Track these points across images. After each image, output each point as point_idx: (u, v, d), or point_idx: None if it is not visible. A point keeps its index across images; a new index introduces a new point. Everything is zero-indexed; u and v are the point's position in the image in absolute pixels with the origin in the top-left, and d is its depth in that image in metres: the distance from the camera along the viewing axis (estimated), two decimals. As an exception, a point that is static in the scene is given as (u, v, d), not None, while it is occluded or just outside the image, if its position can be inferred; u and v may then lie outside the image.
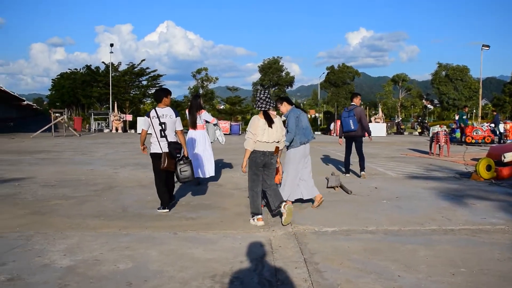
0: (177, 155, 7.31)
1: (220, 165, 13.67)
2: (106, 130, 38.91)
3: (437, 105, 70.02)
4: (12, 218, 6.84)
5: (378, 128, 35.47)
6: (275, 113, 7.75)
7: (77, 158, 15.79)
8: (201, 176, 9.89)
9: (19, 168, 12.89)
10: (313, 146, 22.26)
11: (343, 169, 12.48)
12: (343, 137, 11.96)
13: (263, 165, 6.57)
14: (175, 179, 7.56)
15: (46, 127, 29.19)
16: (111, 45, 40.42)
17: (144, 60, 48.13)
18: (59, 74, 75.40)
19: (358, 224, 6.58)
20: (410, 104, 64.52)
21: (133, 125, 40.45)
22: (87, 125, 40.86)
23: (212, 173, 10.06)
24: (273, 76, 49.23)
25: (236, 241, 5.65)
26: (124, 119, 39.52)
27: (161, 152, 7.23)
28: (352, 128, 11.51)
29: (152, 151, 7.38)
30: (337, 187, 9.64)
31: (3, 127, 37.98)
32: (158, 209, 7.45)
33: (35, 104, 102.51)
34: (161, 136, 7.25)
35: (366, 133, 11.81)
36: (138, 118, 37.00)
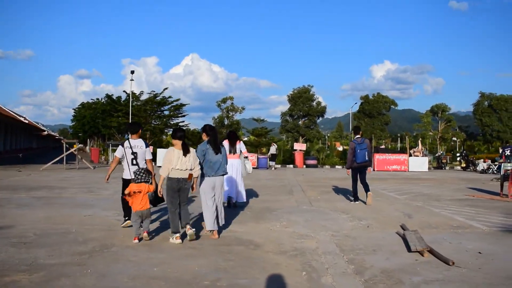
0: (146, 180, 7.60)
1: (253, 210, 10.85)
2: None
3: (465, 139, 66.26)
4: None
5: (419, 162, 32.08)
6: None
7: (80, 197, 13.10)
8: (234, 198, 11.11)
9: (2, 212, 10.25)
10: (346, 183, 19.35)
11: (352, 198, 12.66)
12: (351, 168, 12.35)
13: (178, 189, 7.38)
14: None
15: (56, 159, 26.70)
16: (132, 72, 38.03)
17: (166, 88, 45.22)
18: (80, 104, 73.95)
19: None
20: (451, 136, 60.40)
21: (153, 157, 37.69)
22: (104, 157, 38.36)
23: (244, 199, 11.35)
24: (303, 106, 46.23)
25: None
26: (144, 151, 36.95)
27: (131, 177, 7.80)
28: (367, 159, 12.10)
29: (123, 177, 8.32)
30: (426, 251, 6.75)
31: (13, 159, 35.75)
32: (124, 221, 8.51)
33: (57, 135, 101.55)
34: (132, 164, 8.16)
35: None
36: (159, 150, 34.16)
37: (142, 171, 7.60)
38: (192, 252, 6.75)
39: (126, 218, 8.45)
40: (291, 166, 36.30)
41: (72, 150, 27.26)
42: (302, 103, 46.14)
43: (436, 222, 9.67)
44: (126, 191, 7.43)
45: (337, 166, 36.55)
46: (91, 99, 70.90)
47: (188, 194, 7.63)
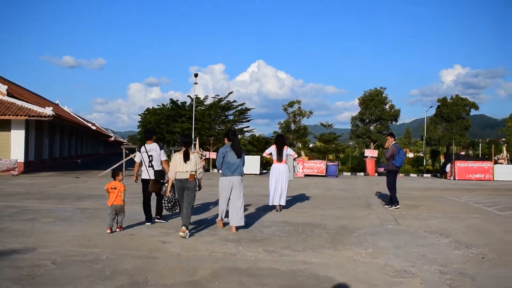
0: (161, 181, 9.32)
1: (328, 231, 8.83)
2: (186, 169, 34.85)
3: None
4: None
5: (506, 171, 28.64)
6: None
7: (129, 209, 11.37)
8: (276, 204, 11.53)
9: (33, 226, 8.83)
10: (430, 194, 17.01)
11: (387, 202, 12.99)
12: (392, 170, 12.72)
13: (183, 188, 8.24)
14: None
15: (115, 166, 25.73)
16: (196, 75, 36.66)
17: (231, 92, 43.44)
18: (146, 110, 73.95)
19: None
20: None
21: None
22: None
23: (284, 203, 11.68)
24: (375, 110, 43.23)
25: None
26: (207, 156, 35.22)
27: (149, 178, 9.31)
28: (401, 165, 12.87)
29: (142, 177, 9.43)
30: None
31: (75, 165, 35.23)
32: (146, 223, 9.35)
33: (125, 141, 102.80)
34: (149, 166, 9.33)
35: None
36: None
37: (162, 173, 9.41)
38: (251, 298, 4.87)
39: (158, 217, 9.76)
40: (362, 173, 33.87)
41: (131, 156, 26.10)
42: (374, 107, 43.15)
43: None
44: (105, 187, 8.65)
45: (411, 175, 33.80)
46: (157, 105, 70.71)
47: (193, 197, 8.35)
